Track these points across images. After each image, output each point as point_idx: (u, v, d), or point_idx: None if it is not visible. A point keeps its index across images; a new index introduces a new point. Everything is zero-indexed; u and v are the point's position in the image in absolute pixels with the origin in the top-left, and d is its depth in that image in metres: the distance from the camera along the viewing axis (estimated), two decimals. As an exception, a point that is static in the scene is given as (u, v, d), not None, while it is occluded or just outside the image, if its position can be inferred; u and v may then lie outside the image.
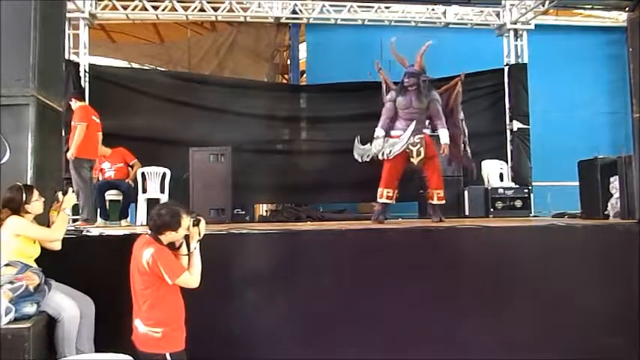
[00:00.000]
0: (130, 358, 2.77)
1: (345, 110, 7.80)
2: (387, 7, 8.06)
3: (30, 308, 2.82)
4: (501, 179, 7.61)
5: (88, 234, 4.20)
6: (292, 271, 4.01)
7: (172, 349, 2.79)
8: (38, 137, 3.49)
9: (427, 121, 5.56)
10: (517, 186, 7.40)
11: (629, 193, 4.91)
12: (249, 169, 7.22)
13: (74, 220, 5.70)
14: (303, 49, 9.30)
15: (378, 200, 5.45)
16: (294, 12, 7.91)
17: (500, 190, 7.11)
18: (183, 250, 2.96)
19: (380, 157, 5.32)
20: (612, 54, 8.99)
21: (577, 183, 5.77)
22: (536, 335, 4.12)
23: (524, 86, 8.01)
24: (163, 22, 8.51)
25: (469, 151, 5.85)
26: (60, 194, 3.31)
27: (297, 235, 4.43)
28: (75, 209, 5.64)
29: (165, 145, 7.12)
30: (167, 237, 2.87)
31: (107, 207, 5.99)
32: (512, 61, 8.16)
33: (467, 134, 5.81)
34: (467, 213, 6.99)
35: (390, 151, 5.26)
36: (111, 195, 6.07)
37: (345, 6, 7.95)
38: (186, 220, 2.89)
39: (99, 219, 5.75)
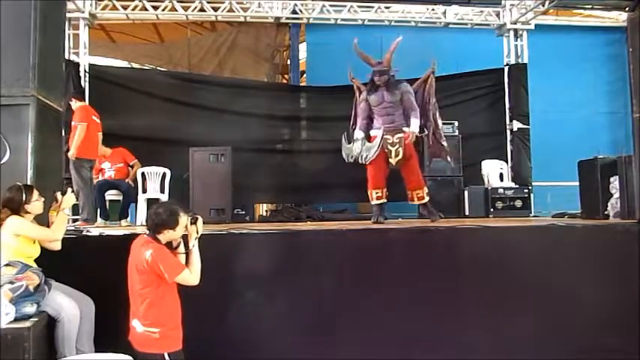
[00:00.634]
0: (130, 358, 2.76)
1: (345, 110, 7.78)
2: (387, 7, 8.07)
3: (30, 308, 2.82)
4: (501, 179, 7.61)
5: (88, 234, 4.20)
6: (292, 271, 4.00)
7: (170, 349, 2.80)
8: (38, 137, 3.49)
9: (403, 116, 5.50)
10: (517, 186, 7.39)
11: (629, 193, 4.91)
12: (249, 169, 7.22)
13: (74, 220, 5.70)
14: (303, 49, 9.30)
15: (371, 203, 5.47)
16: (294, 12, 7.92)
17: (500, 190, 7.11)
18: (181, 249, 2.97)
19: (360, 161, 5.36)
20: (612, 54, 8.99)
21: (577, 183, 5.77)
22: (536, 335, 4.12)
23: (524, 86, 8.01)
24: (163, 22, 8.51)
25: (445, 142, 5.79)
26: (59, 194, 3.30)
27: (297, 235, 4.43)
28: (75, 209, 5.65)
29: (165, 145, 7.13)
30: (165, 236, 2.87)
31: (107, 207, 5.98)
32: (512, 61, 8.16)
33: (441, 127, 5.76)
34: (467, 213, 6.98)
35: (367, 156, 5.30)
36: (111, 195, 6.07)
37: (345, 6, 7.96)
38: (183, 219, 2.90)
39: (99, 219, 5.74)
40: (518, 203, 7.02)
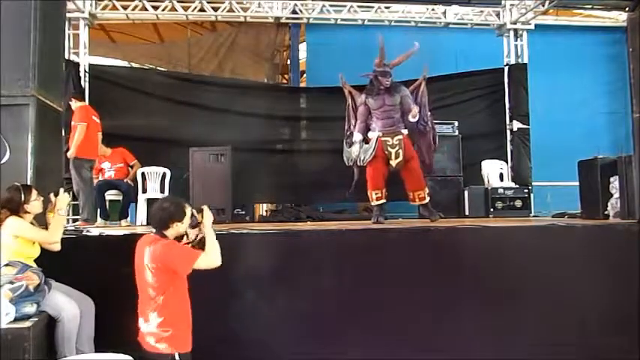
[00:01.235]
0: (130, 358, 2.75)
1: (345, 110, 7.80)
2: (387, 7, 8.06)
3: (30, 308, 2.82)
4: (501, 179, 7.61)
5: (88, 234, 4.20)
6: (292, 272, 4.00)
7: (181, 350, 2.75)
8: (38, 137, 3.50)
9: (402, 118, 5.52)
10: (517, 186, 7.39)
11: (629, 193, 4.91)
12: (249, 169, 7.22)
13: (74, 220, 5.71)
14: (303, 49, 9.29)
15: (371, 203, 5.48)
16: (294, 12, 7.91)
17: (500, 190, 7.11)
18: (190, 237, 2.98)
19: (358, 163, 5.42)
20: (612, 54, 8.98)
21: (577, 183, 5.77)
22: (536, 335, 4.12)
23: (524, 86, 8.00)
24: (163, 22, 8.50)
25: (435, 146, 5.81)
26: (52, 196, 3.28)
27: (297, 235, 4.43)
28: (75, 209, 5.65)
29: (165, 145, 7.12)
30: (173, 230, 2.85)
31: (107, 207, 5.98)
32: (512, 61, 8.15)
33: (435, 132, 5.80)
34: (467, 213, 6.98)
35: (364, 158, 5.34)
36: (111, 195, 6.07)
37: (345, 6, 7.95)
38: (188, 210, 2.89)
39: (99, 219, 5.74)
40: (518, 203, 7.02)
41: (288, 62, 9.91)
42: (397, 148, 5.30)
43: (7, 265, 2.87)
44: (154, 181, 6.31)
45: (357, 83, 5.81)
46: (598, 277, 4.31)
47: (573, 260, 4.33)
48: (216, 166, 6.13)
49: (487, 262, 4.28)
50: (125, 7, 7.47)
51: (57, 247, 3.17)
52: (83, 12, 7.16)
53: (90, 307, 3.17)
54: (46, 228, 3.23)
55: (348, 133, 5.69)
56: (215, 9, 7.67)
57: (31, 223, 3.13)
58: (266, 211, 9.31)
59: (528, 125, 7.97)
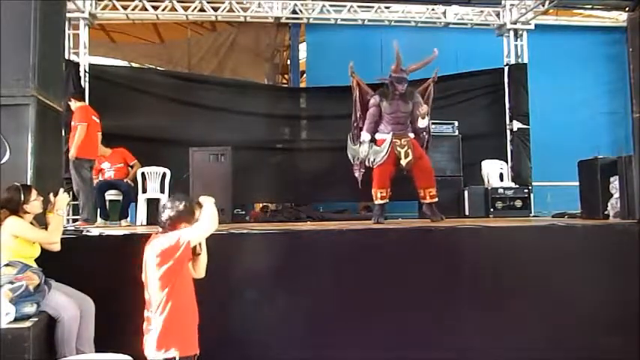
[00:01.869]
0: (130, 358, 2.74)
1: (345, 110, 7.78)
2: (387, 7, 8.06)
3: (30, 308, 2.82)
4: (501, 179, 7.61)
5: (88, 234, 4.20)
6: (292, 272, 4.00)
7: (184, 353, 2.65)
8: (38, 137, 3.50)
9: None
10: (517, 186, 7.39)
11: (629, 193, 4.90)
12: (249, 168, 7.22)
13: (74, 220, 5.70)
14: (303, 49, 9.30)
15: (375, 202, 5.48)
16: (294, 12, 7.91)
17: (500, 190, 7.10)
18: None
19: (366, 164, 5.45)
20: (612, 54, 8.98)
21: (577, 183, 5.77)
22: (536, 335, 4.12)
23: (524, 86, 8.00)
24: (163, 22, 8.51)
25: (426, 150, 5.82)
26: (51, 196, 3.28)
27: (297, 235, 4.43)
28: (75, 209, 5.64)
29: (165, 145, 7.12)
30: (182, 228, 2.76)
31: (107, 207, 5.98)
32: (512, 61, 8.16)
33: (430, 137, 5.86)
34: (467, 213, 6.98)
35: (374, 160, 5.37)
36: (111, 195, 6.07)
37: (345, 6, 7.95)
38: (197, 212, 2.81)
39: (99, 219, 5.74)
40: (518, 203, 7.01)
41: (288, 62, 9.92)
42: (406, 147, 5.34)
43: (7, 265, 2.88)
44: (154, 181, 6.31)
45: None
46: (598, 277, 4.31)
47: (573, 260, 4.32)
48: (216, 166, 6.12)
49: (487, 262, 4.28)
50: (125, 7, 7.47)
51: (57, 247, 3.17)
52: (83, 12, 7.16)
53: (90, 307, 3.16)
54: (46, 228, 3.23)
55: (355, 124, 5.67)
56: (215, 9, 7.68)
57: (31, 223, 3.14)
58: (261, 208, 9.25)
59: (528, 125, 7.97)
